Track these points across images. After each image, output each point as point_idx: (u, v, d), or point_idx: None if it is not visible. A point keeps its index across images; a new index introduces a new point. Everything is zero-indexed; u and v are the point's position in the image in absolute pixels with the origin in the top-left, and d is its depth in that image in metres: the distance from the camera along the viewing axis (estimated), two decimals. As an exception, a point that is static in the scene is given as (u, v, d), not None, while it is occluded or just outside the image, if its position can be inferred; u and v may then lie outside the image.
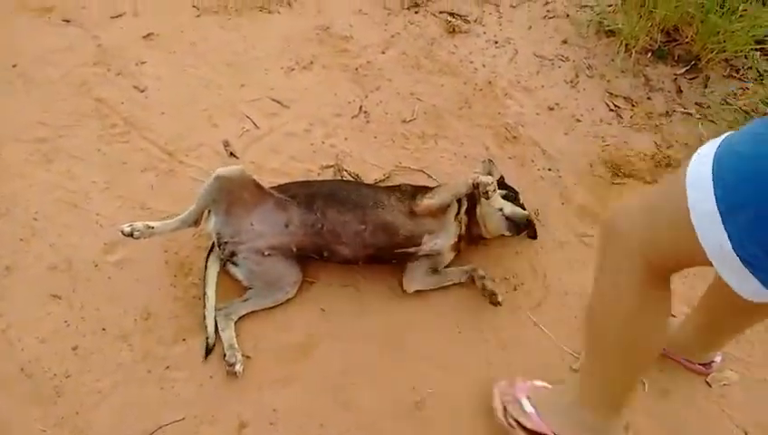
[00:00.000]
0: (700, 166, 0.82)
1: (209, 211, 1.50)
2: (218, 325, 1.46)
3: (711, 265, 0.83)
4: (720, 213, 0.78)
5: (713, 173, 0.80)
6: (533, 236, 1.66)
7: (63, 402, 1.36)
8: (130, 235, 1.43)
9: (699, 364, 1.47)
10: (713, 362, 1.47)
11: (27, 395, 1.37)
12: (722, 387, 1.47)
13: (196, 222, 1.51)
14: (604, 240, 1.02)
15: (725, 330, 1.37)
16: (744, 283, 0.81)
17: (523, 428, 1.30)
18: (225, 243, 1.50)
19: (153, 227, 1.46)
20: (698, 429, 1.41)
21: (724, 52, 2.00)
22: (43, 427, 1.33)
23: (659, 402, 1.43)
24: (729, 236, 0.78)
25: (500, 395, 1.38)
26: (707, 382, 1.48)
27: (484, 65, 2.01)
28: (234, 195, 1.48)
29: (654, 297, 1.00)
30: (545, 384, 1.38)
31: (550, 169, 1.79)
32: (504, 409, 1.36)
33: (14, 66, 1.90)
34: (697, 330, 1.40)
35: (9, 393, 1.36)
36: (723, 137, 0.83)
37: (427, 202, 1.53)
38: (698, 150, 0.85)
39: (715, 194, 0.79)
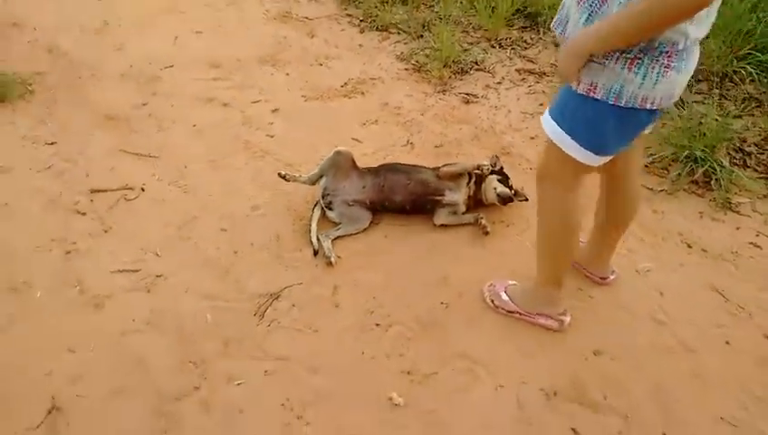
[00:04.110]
0: (546, 116, 1.65)
1: (321, 176, 2.51)
2: (321, 241, 2.38)
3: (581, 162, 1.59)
4: (558, 125, 1.61)
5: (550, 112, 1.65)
6: (526, 199, 2.56)
7: (229, 275, 2.27)
8: (284, 177, 2.48)
9: (598, 277, 2.17)
10: (608, 277, 2.17)
11: (206, 270, 2.29)
12: (645, 272, 2.26)
13: (315, 181, 2.52)
14: (540, 184, 1.81)
15: (607, 244, 2.11)
16: (580, 154, 1.58)
17: (504, 309, 2.10)
18: (327, 195, 2.48)
19: (296, 176, 2.49)
20: (632, 294, 2.18)
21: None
22: (221, 286, 2.23)
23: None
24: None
25: (488, 292, 2.16)
26: (637, 271, 2.26)
27: (488, 118, 3.09)
28: (339, 165, 2.50)
29: (573, 196, 1.75)
30: (515, 282, 2.15)
31: (531, 169, 2.75)
32: (492, 301, 2.14)
33: (194, 126, 3.09)
34: (593, 246, 2.15)
35: (194, 268, 2.29)
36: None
37: (445, 169, 2.51)
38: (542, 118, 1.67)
39: (554, 119, 1.60)
